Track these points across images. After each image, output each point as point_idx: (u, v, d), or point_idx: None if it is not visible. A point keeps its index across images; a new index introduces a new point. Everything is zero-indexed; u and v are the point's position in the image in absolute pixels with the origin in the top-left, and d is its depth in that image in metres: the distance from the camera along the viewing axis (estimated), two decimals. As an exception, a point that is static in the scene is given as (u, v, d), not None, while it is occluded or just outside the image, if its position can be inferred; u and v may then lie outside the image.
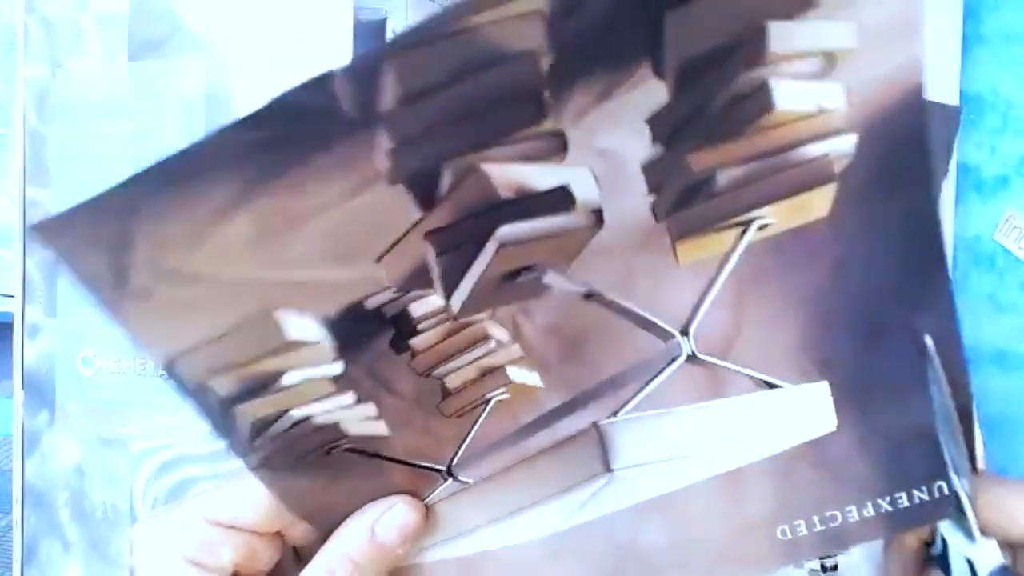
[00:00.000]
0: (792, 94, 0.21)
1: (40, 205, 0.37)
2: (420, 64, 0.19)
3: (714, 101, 0.21)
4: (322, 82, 0.19)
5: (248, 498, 0.27)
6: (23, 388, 0.38)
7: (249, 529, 0.27)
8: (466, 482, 0.27)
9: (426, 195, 0.21)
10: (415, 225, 0.22)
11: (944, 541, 0.26)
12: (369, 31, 0.32)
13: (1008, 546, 0.26)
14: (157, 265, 0.21)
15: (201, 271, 0.22)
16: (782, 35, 0.20)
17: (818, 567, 0.33)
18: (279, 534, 0.28)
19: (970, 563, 0.25)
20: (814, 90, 0.21)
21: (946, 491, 0.25)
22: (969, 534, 0.25)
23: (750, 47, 0.20)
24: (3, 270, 0.39)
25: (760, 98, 0.21)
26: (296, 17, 0.33)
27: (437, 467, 0.27)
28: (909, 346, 0.25)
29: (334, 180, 0.21)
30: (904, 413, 0.25)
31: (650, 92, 0.21)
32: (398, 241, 0.22)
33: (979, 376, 0.38)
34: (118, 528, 0.37)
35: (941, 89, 0.36)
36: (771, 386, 0.26)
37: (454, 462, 0.27)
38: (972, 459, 0.26)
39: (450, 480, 0.27)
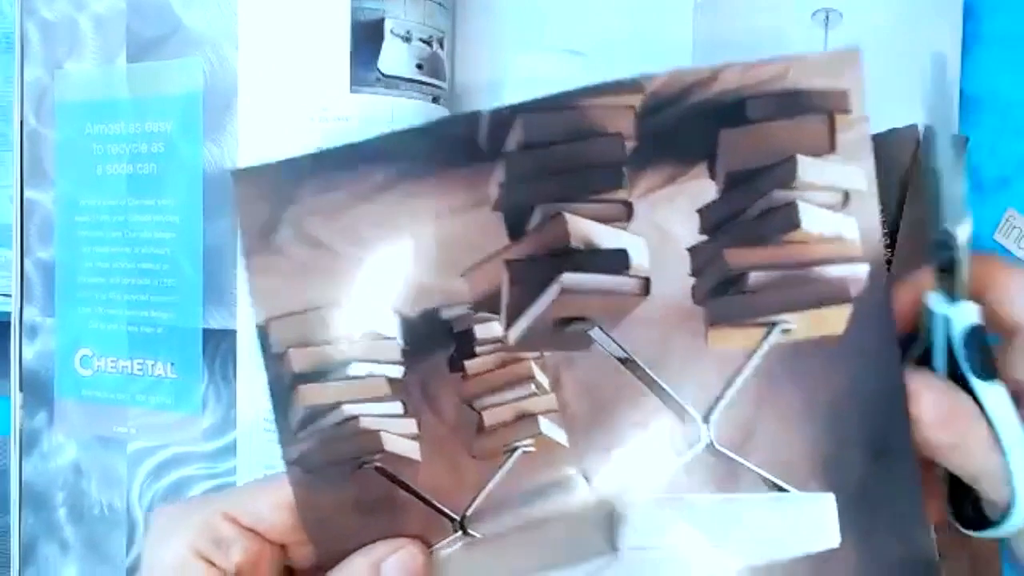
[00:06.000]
0: (815, 217, 0.27)
1: (40, 205, 0.38)
2: (540, 123, 0.27)
3: (752, 207, 0.27)
4: (472, 117, 0.26)
5: (270, 502, 0.28)
6: (21, 389, 0.38)
7: (263, 534, 0.28)
8: (475, 536, 0.28)
9: (517, 227, 0.27)
10: (501, 251, 0.27)
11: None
12: (367, 30, 0.34)
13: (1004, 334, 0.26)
14: (299, 226, 0.27)
15: (328, 240, 0.27)
16: (808, 168, 0.27)
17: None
18: (284, 549, 0.29)
19: (947, 321, 0.25)
20: (834, 219, 0.27)
21: None
22: (952, 294, 0.25)
23: (783, 172, 0.27)
24: (2, 269, 0.40)
25: (789, 214, 0.27)
26: (294, 17, 0.34)
27: (451, 514, 0.28)
28: (911, 474, 0.26)
29: (455, 194, 0.27)
30: (906, 542, 0.26)
31: (703, 187, 0.27)
32: (484, 261, 0.27)
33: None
34: (116, 527, 0.36)
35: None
36: (780, 489, 0.27)
37: (468, 512, 0.28)
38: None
39: (460, 532, 0.28)
